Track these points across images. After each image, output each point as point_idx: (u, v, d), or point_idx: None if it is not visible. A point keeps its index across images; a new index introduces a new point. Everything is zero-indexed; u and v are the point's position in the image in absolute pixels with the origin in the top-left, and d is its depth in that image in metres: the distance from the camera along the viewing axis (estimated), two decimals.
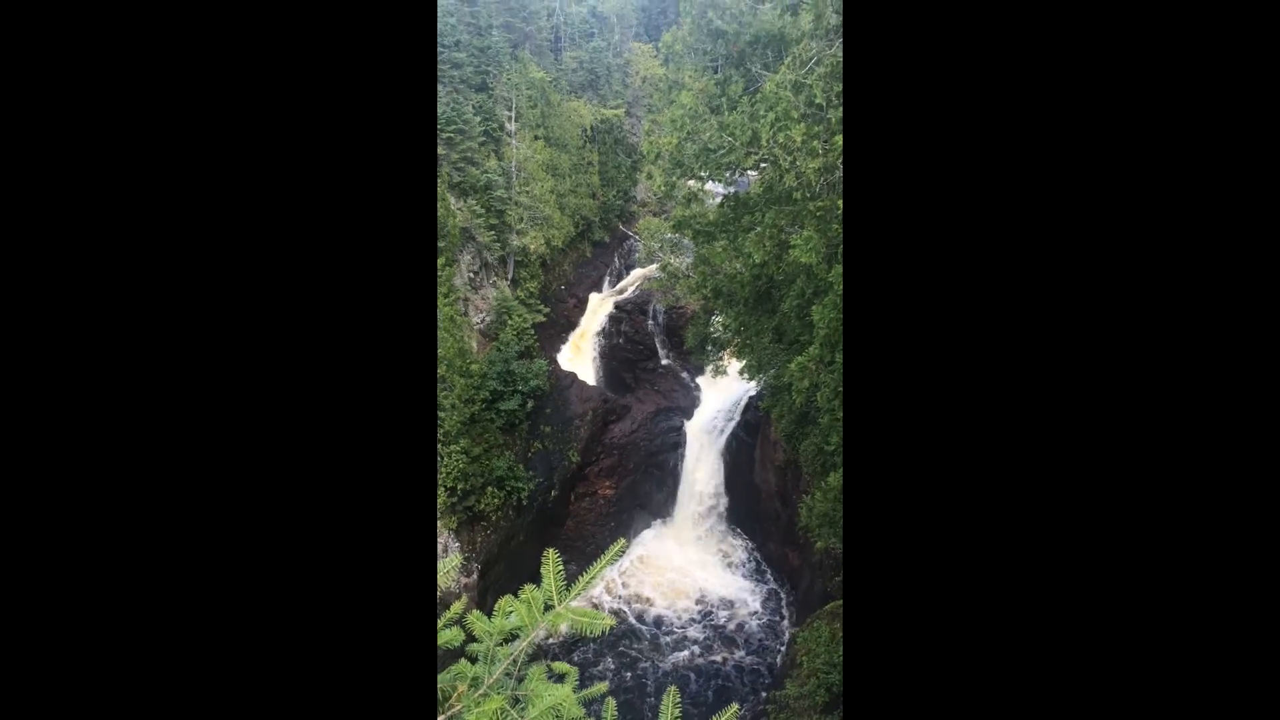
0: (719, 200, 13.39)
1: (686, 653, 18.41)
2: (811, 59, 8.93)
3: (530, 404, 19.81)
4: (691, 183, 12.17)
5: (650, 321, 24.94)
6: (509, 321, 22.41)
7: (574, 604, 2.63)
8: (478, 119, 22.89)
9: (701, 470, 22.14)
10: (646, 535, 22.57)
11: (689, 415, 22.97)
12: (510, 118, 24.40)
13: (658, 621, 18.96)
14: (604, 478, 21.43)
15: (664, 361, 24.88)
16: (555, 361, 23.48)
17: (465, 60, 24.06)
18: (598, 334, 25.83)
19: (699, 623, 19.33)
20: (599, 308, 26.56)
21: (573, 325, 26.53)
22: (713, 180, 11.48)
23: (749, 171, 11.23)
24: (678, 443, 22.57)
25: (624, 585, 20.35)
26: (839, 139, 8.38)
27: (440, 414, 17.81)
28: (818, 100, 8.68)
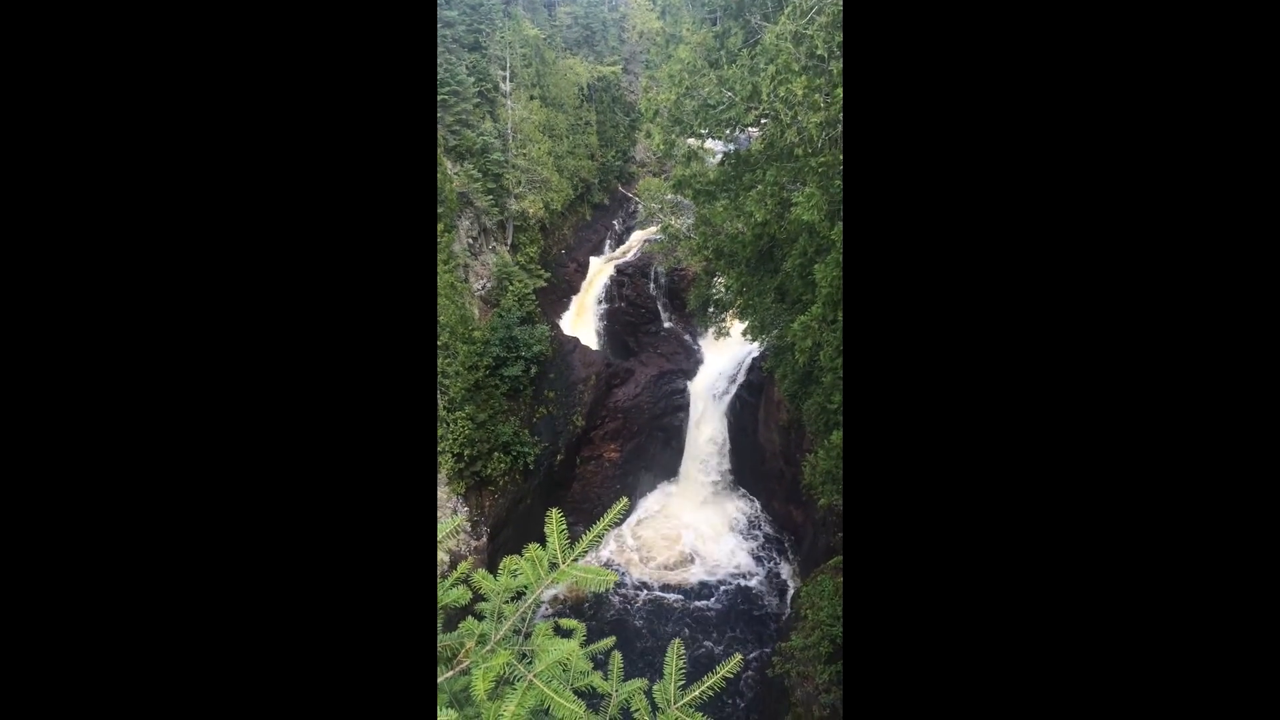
0: (719, 158, 13.34)
1: (692, 605, 18.74)
2: (812, 8, 8.66)
3: (534, 369, 19.88)
4: (691, 141, 11.92)
5: (652, 284, 24.76)
6: (510, 287, 22.20)
7: (579, 563, 2.66)
8: (471, 80, 22.29)
9: (706, 431, 22.33)
10: (653, 496, 22.97)
11: (692, 377, 23.03)
12: (505, 77, 23.80)
13: (664, 581, 19.17)
14: (609, 441, 21.52)
15: (666, 324, 24.78)
16: (557, 326, 23.36)
17: (457, 19, 23.35)
18: (599, 298, 25.53)
19: (706, 580, 19.60)
20: (600, 272, 26.32)
21: (574, 290, 26.35)
22: (713, 138, 11.31)
23: (749, 128, 10.94)
24: (682, 405, 22.67)
25: (630, 543, 20.62)
26: (841, 92, 8.18)
27: (444, 381, 17.86)
28: (819, 52, 8.42)
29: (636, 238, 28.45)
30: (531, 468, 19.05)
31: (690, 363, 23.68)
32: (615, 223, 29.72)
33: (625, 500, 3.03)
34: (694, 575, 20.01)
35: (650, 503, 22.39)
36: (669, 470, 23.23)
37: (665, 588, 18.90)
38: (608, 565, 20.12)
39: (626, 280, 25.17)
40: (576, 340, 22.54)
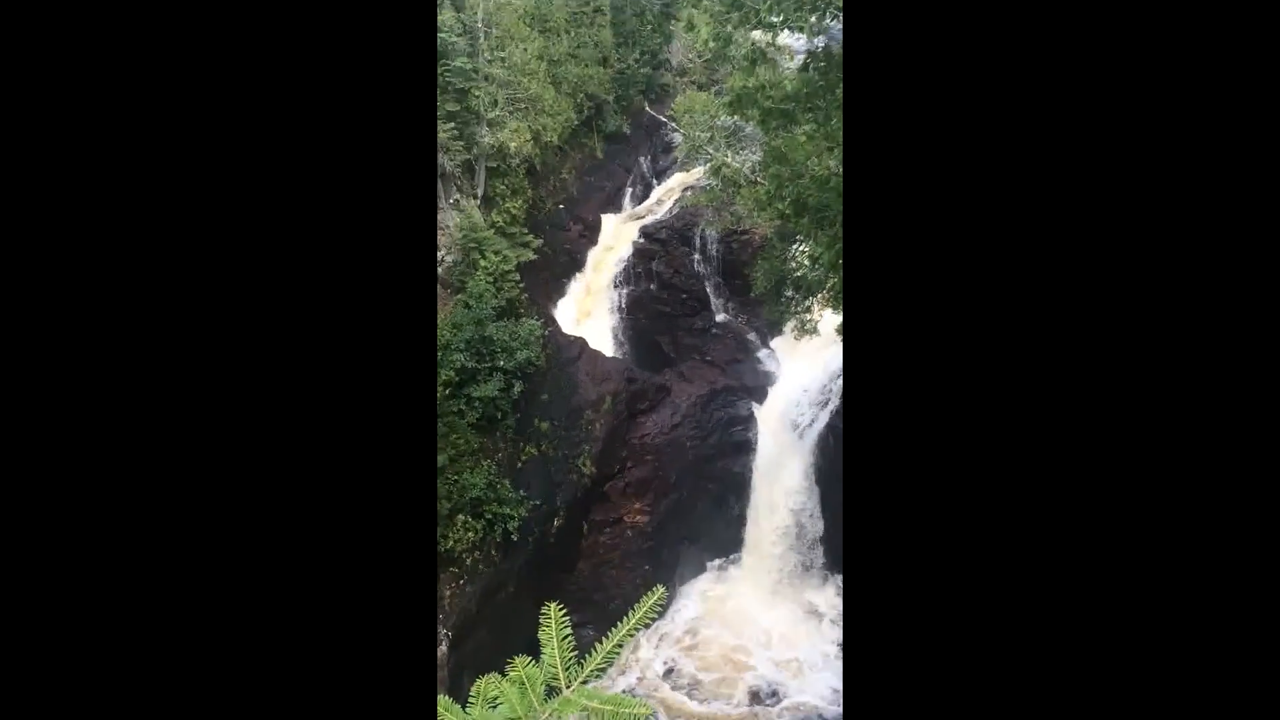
0: (800, 61, 12.71)
1: None
2: None
3: (518, 387, 20.21)
4: (756, 34, 11.89)
5: (697, 256, 25.11)
6: (480, 262, 22.24)
7: (590, 686, 2.78)
8: None
9: (784, 482, 22.38)
10: (700, 584, 23.09)
11: (761, 399, 23.20)
12: None
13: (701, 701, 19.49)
14: (633, 497, 21.98)
15: (719, 317, 25.16)
16: (554, 322, 23.60)
17: None
18: (617, 278, 25.97)
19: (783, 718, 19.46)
20: (618, 236, 26.79)
21: (578, 265, 26.91)
22: (789, 27, 11.12)
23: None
24: (744, 442, 22.82)
25: (666, 660, 20.86)
26: None
27: None
28: None
29: (672, 184, 28.65)
30: (515, 538, 19.27)
31: (757, 377, 23.85)
32: (641, 162, 29.93)
33: (661, 590, 3.15)
34: (762, 708, 19.78)
35: (697, 595, 22.81)
36: (726, 543, 23.43)
37: None
38: (632, 695, 20.18)
39: (658, 250, 25.67)
40: (583, 343, 22.80)
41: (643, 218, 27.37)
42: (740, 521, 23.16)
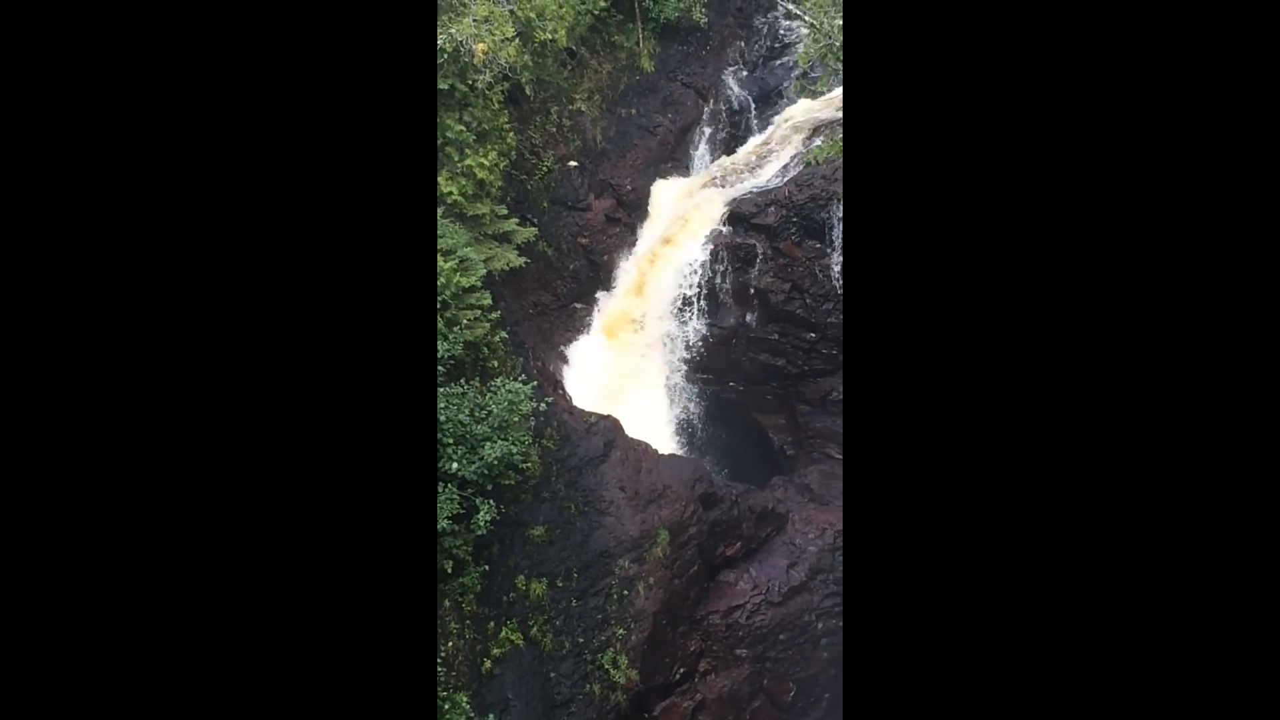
0: None
1: None
2: None
3: (486, 513, 17.86)
4: None
5: (837, 260, 22.46)
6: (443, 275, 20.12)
7: None
8: None
9: None
10: None
11: None
12: None
13: None
14: None
15: None
16: (558, 386, 21.24)
17: None
18: (682, 299, 23.62)
19: None
20: (684, 220, 24.42)
21: (605, 278, 24.79)
22: None
23: None
24: None
25: None
26: None
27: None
28: None
29: (790, 122, 25.98)
30: None
31: None
32: (728, 79, 27.52)
33: None
34: None
35: None
36: None
37: None
38: None
39: (762, 247, 23.30)
40: (614, 426, 20.23)
41: (731, 184, 24.85)
42: None
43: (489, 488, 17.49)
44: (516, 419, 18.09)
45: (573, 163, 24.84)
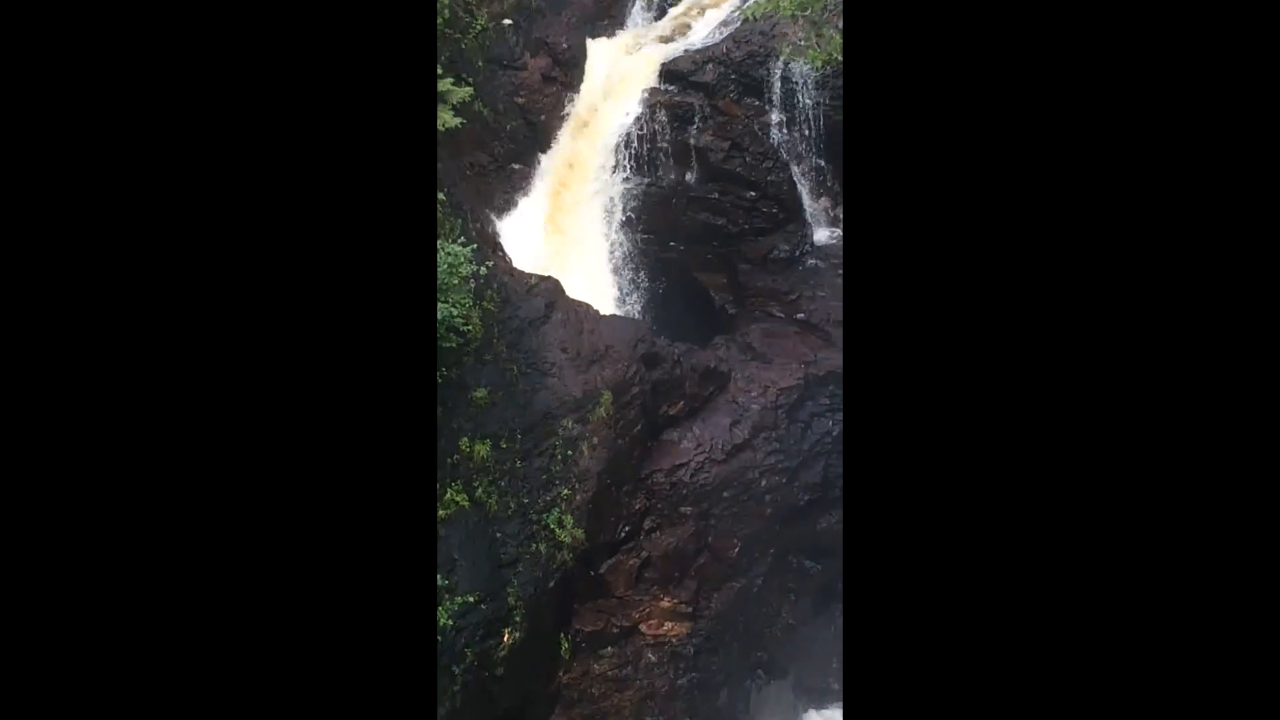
0: None
1: None
2: None
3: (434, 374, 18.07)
4: None
5: (775, 116, 22.87)
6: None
7: None
8: None
9: None
10: None
11: None
12: None
13: None
14: (656, 587, 19.60)
15: (820, 235, 23.24)
16: (498, 249, 21.18)
17: None
18: (619, 160, 23.43)
19: None
20: (619, 80, 24.41)
21: (546, 136, 24.80)
22: None
23: None
24: None
25: None
26: None
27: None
28: None
29: None
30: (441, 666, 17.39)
31: None
32: None
33: None
34: None
35: None
36: (837, 675, 21.12)
37: None
38: None
39: (700, 105, 23.39)
40: (554, 288, 20.23)
41: (669, 41, 24.92)
42: None
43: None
44: (456, 281, 17.96)
45: (507, 21, 24.51)
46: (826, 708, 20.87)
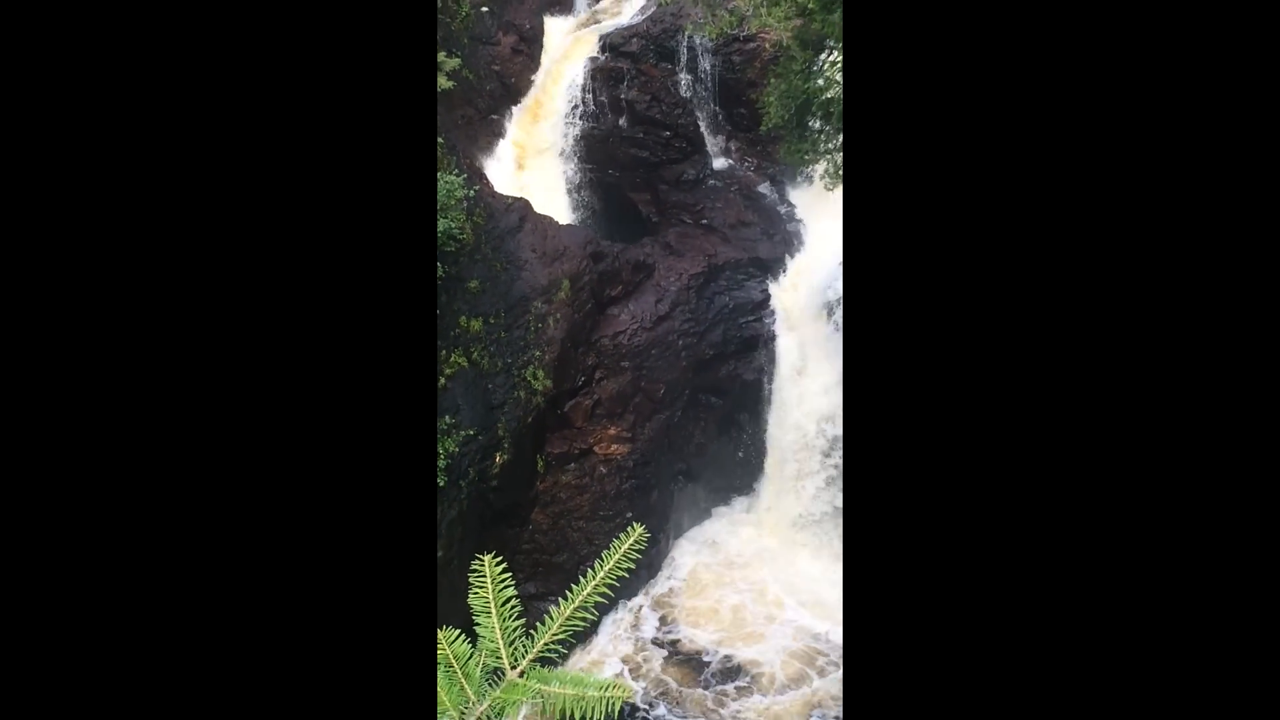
0: None
1: None
2: None
3: (440, 272, 20.29)
4: None
5: (684, 76, 25.44)
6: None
7: (548, 669, 2.84)
8: None
9: (812, 391, 22.69)
10: (703, 534, 23.51)
11: (779, 274, 23.69)
12: None
13: (720, 694, 19.90)
14: (605, 420, 22.32)
15: (718, 163, 25.52)
16: (482, 177, 23.35)
17: None
18: (571, 111, 26.25)
19: (810, 693, 19.81)
20: (571, 49, 27.07)
21: (515, 94, 27.22)
22: None
23: None
24: (759, 336, 23.31)
25: (657, 626, 21.35)
26: None
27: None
28: None
29: None
30: (440, 482, 19.49)
31: (774, 245, 24.18)
32: None
33: (640, 530, 3.34)
34: (783, 680, 19.96)
35: (701, 549, 23.12)
36: (737, 479, 24.01)
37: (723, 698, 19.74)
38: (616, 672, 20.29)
39: (628, 68, 25.72)
40: (525, 206, 22.74)
41: (603, 21, 27.48)
42: (756, 448, 23.72)
43: (437, 253, 19.97)
44: (452, 203, 20.61)
45: (484, 8, 26.88)
46: (724, 502, 24.14)
